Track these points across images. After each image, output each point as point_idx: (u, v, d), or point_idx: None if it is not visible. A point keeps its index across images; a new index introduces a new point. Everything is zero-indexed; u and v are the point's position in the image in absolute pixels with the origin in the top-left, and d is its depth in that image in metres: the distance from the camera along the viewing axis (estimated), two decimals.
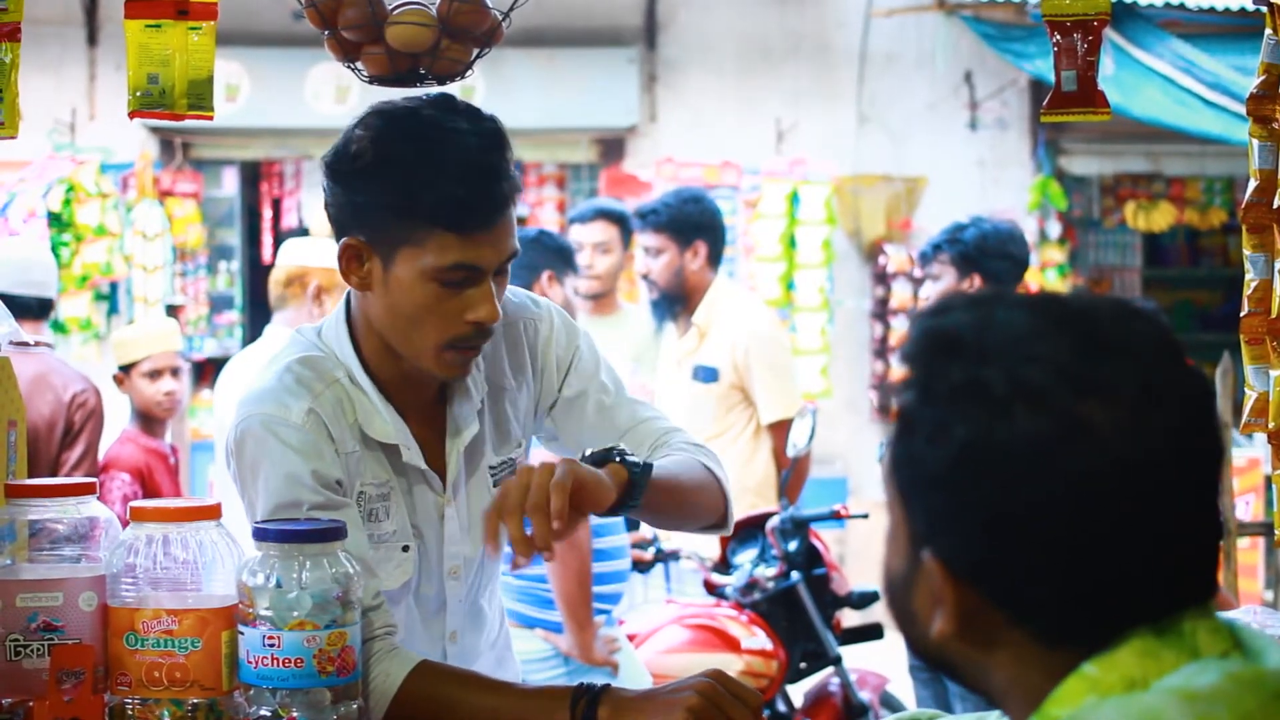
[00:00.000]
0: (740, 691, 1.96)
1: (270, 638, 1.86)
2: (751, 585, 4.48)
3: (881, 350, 9.56)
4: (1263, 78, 2.60)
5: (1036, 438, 1.16)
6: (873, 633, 4.74)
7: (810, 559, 4.52)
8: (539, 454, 2.60)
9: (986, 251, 4.88)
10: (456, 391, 2.27)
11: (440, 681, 2.07)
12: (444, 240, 2.09)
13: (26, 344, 2.45)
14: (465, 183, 2.07)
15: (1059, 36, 2.52)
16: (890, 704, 4.78)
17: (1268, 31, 2.59)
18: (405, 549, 2.24)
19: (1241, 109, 2.69)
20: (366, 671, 2.04)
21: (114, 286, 9.21)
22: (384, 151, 2.10)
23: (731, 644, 4.37)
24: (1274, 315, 2.57)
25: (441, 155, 2.08)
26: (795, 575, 4.47)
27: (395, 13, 2.11)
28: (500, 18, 2.16)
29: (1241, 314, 2.64)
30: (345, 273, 2.18)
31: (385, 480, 2.21)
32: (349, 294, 2.26)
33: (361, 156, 2.11)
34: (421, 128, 2.09)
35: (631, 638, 4.37)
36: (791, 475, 4.73)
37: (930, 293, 4.98)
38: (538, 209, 9.68)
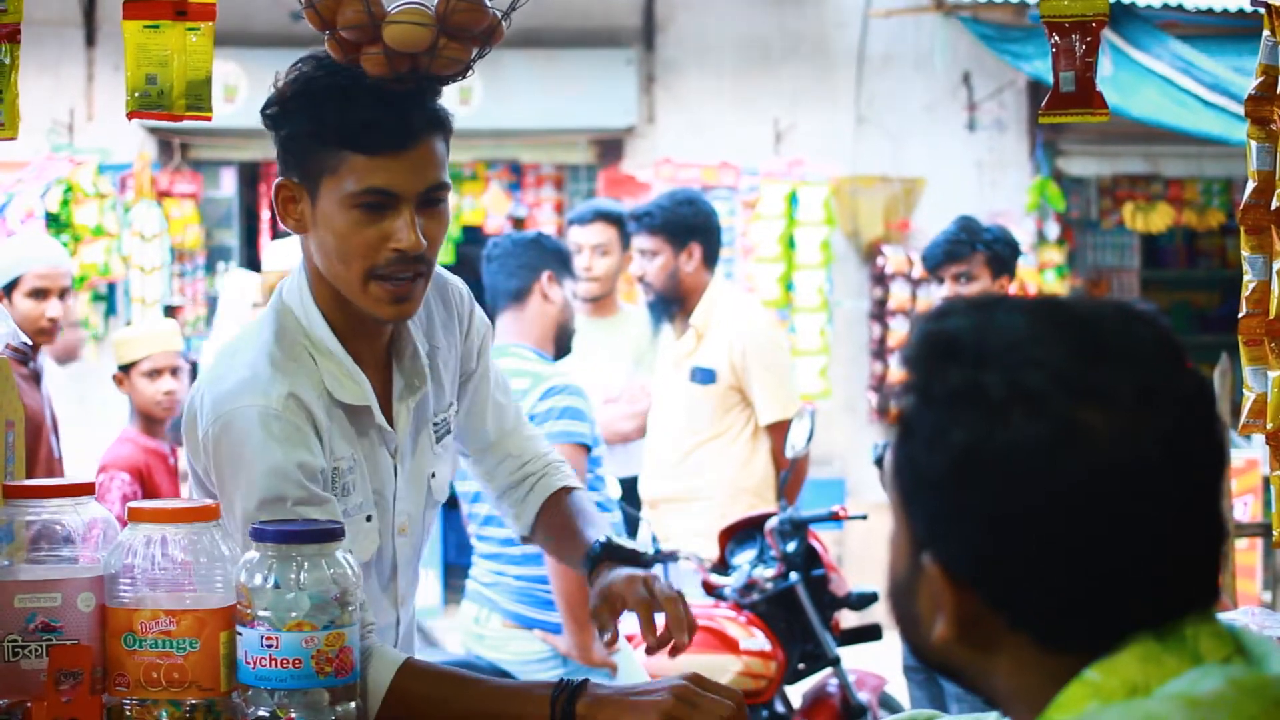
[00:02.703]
0: (719, 691, 1.98)
1: (268, 638, 1.86)
2: (750, 586, 4.48)
3: (880, 351, 9.56)
4: (1260, 79, 2.60)
5: (1034, 442, 1.16)
6: (871, 634, 4.74)
7: (809, 560, 4.52)
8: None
9: (1013, 253, 5.00)
10: (405, 349, 2.31)
11: (426, 680, 2.09)
12: (356, 164, 2.14)
13: (27, 345, 2.44)
14: (375, 106, 2.13)
15: (1057, 37, 2.52)
16: (889, 705, 4.78)
17: (1265, 33, 2.59)
18: (369, 519, 2.26)
19: (1240, 109, 2.69)
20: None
21: (112, 287, 9.21)
22: (304, 87, 2.17)
23: (730, 645, 4.37)
24: (1272, 316, 2.57)
25: (355, 84, 2.14)
26: (794, 576, 4.46)
27: (393, 12, 2.12)
28: (499, 17, 2.16)
29: (1239, 315, 2.64)
30: (282, 216, 2.24)
31: (350, 453, 2.23)
32: (303, 257, 2.29)
33: (284, 93, 2.19)
34: (342, 66, 2.15)
35: (630, 638, 4.37)
36: (790, 476, 4.73)
37: (962, 293, 4.98)
38: (535, 210, 9.68)
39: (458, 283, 2.47)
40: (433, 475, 2.39)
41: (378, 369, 2.29)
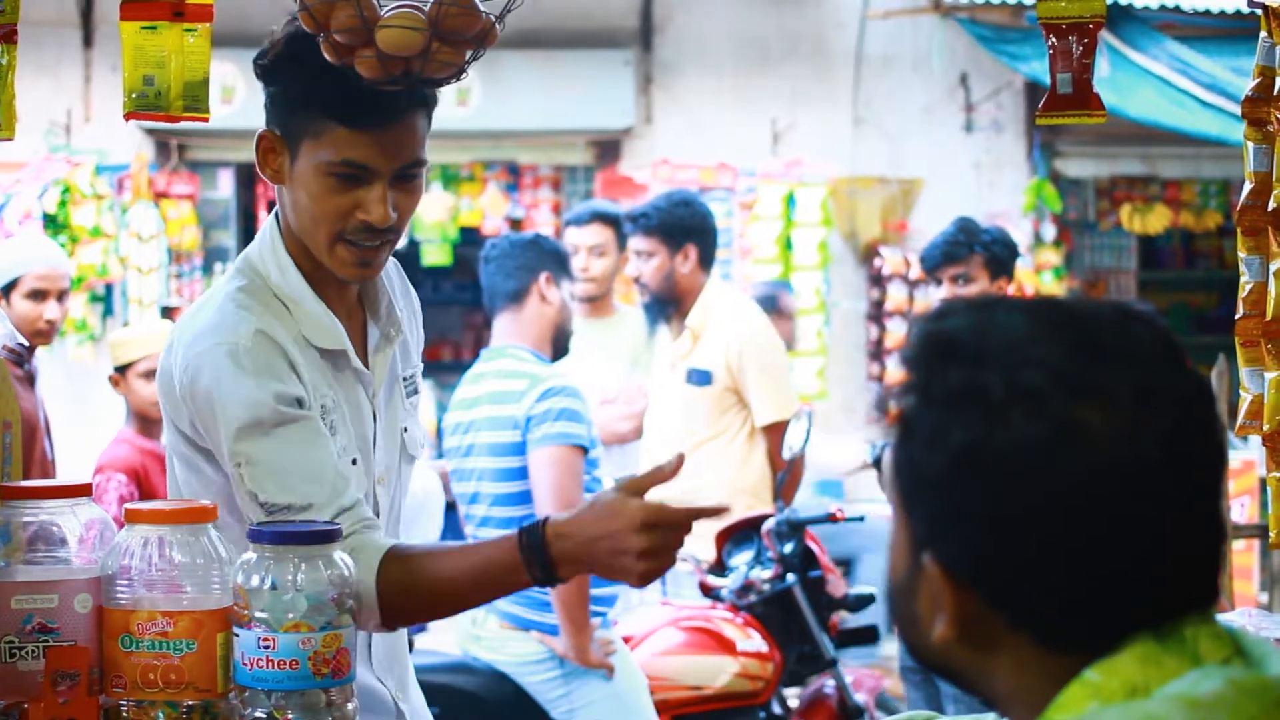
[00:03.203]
0: (673, 518, 2.05)
1: (265, 639, 1.86)
2: (747, 587, 4.48)
3: (877, 352, 9.56)
4: (1257, 80, 2.60)
5: (1034, 441, 1.16)
6: (868, 635, 4.74)
7: (806, 561, 4.53)
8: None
9: (1011, 254, 5.00)
10: (380, 301, 2.35)
11: (410, 563, 2.12)
12: (337, 134, 2.17)
13: (23, 346, 2.45)
14: (361, 80, 2.14)
15: (1054, 39, 2.52)
16: (886, 706, 4.78)
17: (1263, 34, 2.59)
18: (354, 462, 2.27)
19: (1238, 110, 2.69)
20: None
21: (109, 288, 9.20)
22: (295, 47, 2.19)
23: (727, 646, 4.37)
24: (1269, 318, 2.57)
25: None
26: (791, 577, 4.47)
27: (385, 16, 2.12)
28: (493, 20, 2.16)
29: (1236, 316, 2.64)
30: (260, 165, 2.27)
31: (331, 394, 2.25)
32: (279, 205, 2.33)
33: (275, 48, 2.21)
34: None
35: (627, 640, 4.37)
36: (787, 477, 4.73)
37: (960, 294, 4.98)
38: (533, 211, 9.68)
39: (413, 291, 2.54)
40: (405, 430, 2.41)
41: (351, 318, 2.33)
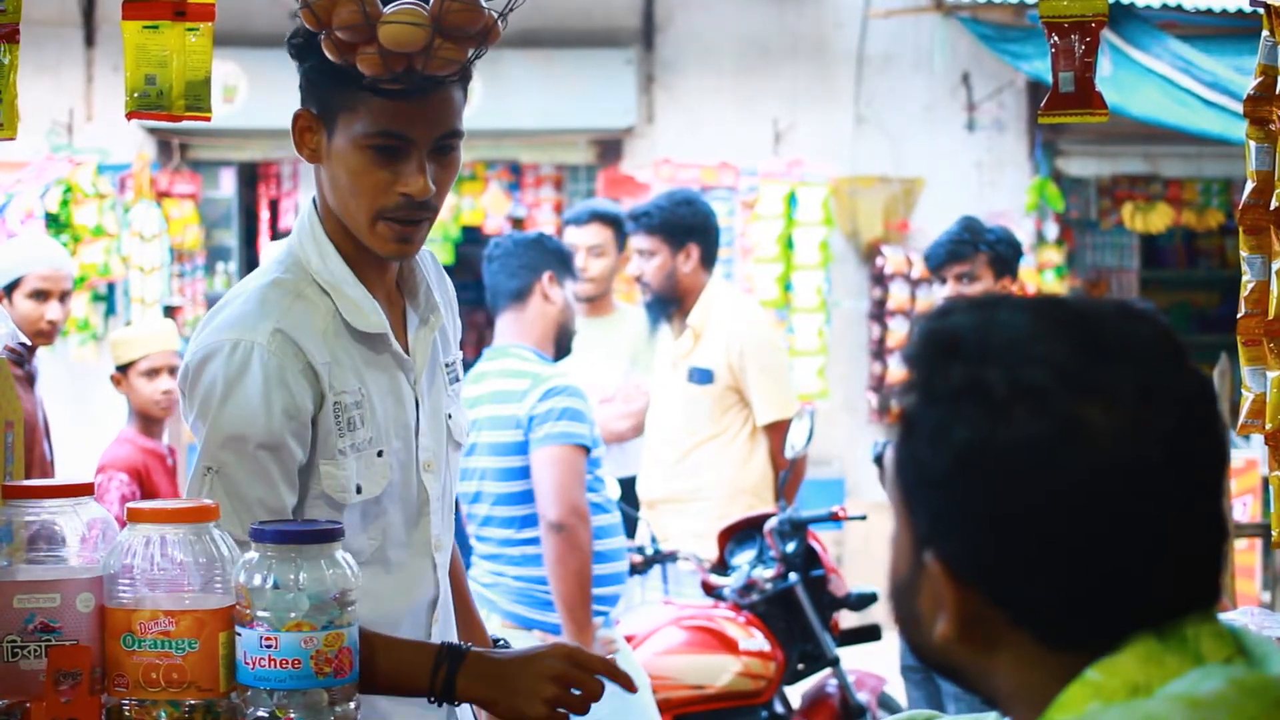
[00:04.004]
0: (591, 664, 2.06)
1: (267, 639, 1.86)
2: (749, 586, 4.48)
3: (879, 351, 9.56)
4: (1259, 79, 2.60)
5: (1036, 439, 1.16)
6: (871, 634, 4.74)
7: (808, 560, 4.53)
8: None
9: (1015, 253, 5.01)
10: (418, 286, 2.34)
11: None
12: (374, 106, 2.16)
13: (24, 346, 2.44)
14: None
15: (1056, 38, 2.52)
16: (888, 705, 4.78)
17: (1265, 33, 2.58)
18: (380, 454, 2.26)
19: (1240, 109, 2.69)
20: None
21: (111, 287, 9.20)
22: None
23: (729, 645, 4.37)
24: (1271, 317, 2.57)
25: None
26: (793, 577, 4.47)
27: (388, 13, 2.12)
28: (496, 17, 2.16)
29: (1238, 315, 2.64)
30: (298, 144, 2.26)
31: (358, 388, 2.23)
32: (316, 188, 2.31)
33: (311, 22, 2.19)
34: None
35: (629, 639, 4.37)
36: (789, 477, 4.73)
37: (965, 293, 4.98)
38: (535, 210, 9.68)
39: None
40: (449, 416, 2.40)
41: (390, 303, 2.32)
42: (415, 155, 2.18)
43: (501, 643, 2.49)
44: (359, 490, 2.23)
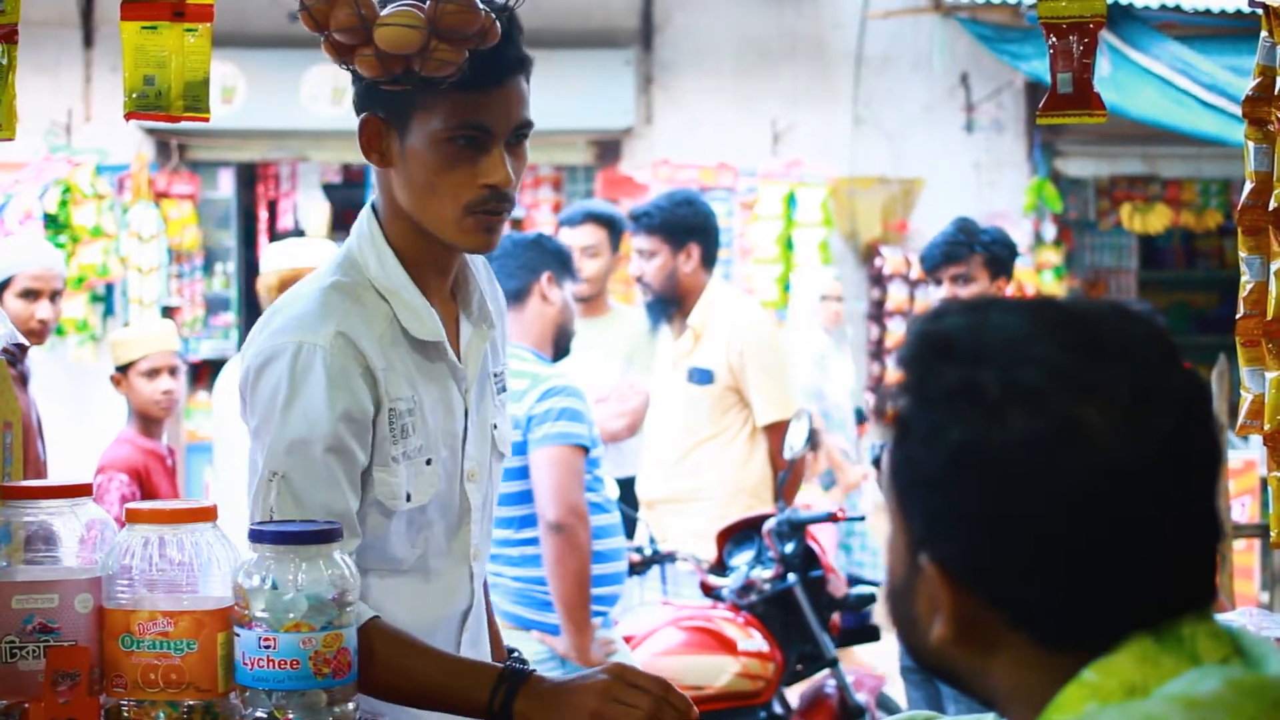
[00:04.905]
0: (643, 681, 2.04)
1: (266, 639, 1.86)
2: (748, 587, 4.48)
3: (878, 352, 9.56)
4: (1258, 80, 2.60)
5: (1031, 439, 1.16)
6: (869, 634, 4.74)
7: (807, 561, 4.53)
8: None
9: (1010, 255, 5.00)
10: (472, 295, 2.34)
11: (385, 640, 2.11)
12: (450, 100, 2.16)
13: (19, 347, 2.44)
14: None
15: (1055, 38, 2.52)
16: (887, 706, 4.78)
17: (1263, 34, 2.59)
18: (429, 462, 2.25)
19: (1238, 110, 2.69)
20: None
21: (110, 288, 9.21)
22: None
23: (728, 646, 4.37)
24: (1269, 317, 2.57)
25: None
26: (792, 577, 4.47)
27: (384, 15, 2.12)
28: (493, 18, 2.17)
29: (1237, 316, 2.64)
30: (366, 150, 2.24)
31: (411, 395, 2.23)
32: (375, 190, 2.31)
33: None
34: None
35: (628, 639, 4.37)
36: (788, 477, 4.73)
37: (960, 294, 4.98)
38: (533, 211, 9.68)
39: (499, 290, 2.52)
40: (494, 426, 2.40)
41: (445, 312, 2.32)
42: (495, 146, 2.19)
43: (516, 653, 2.49)
44: (409, 498, 2.22)
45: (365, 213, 2.31)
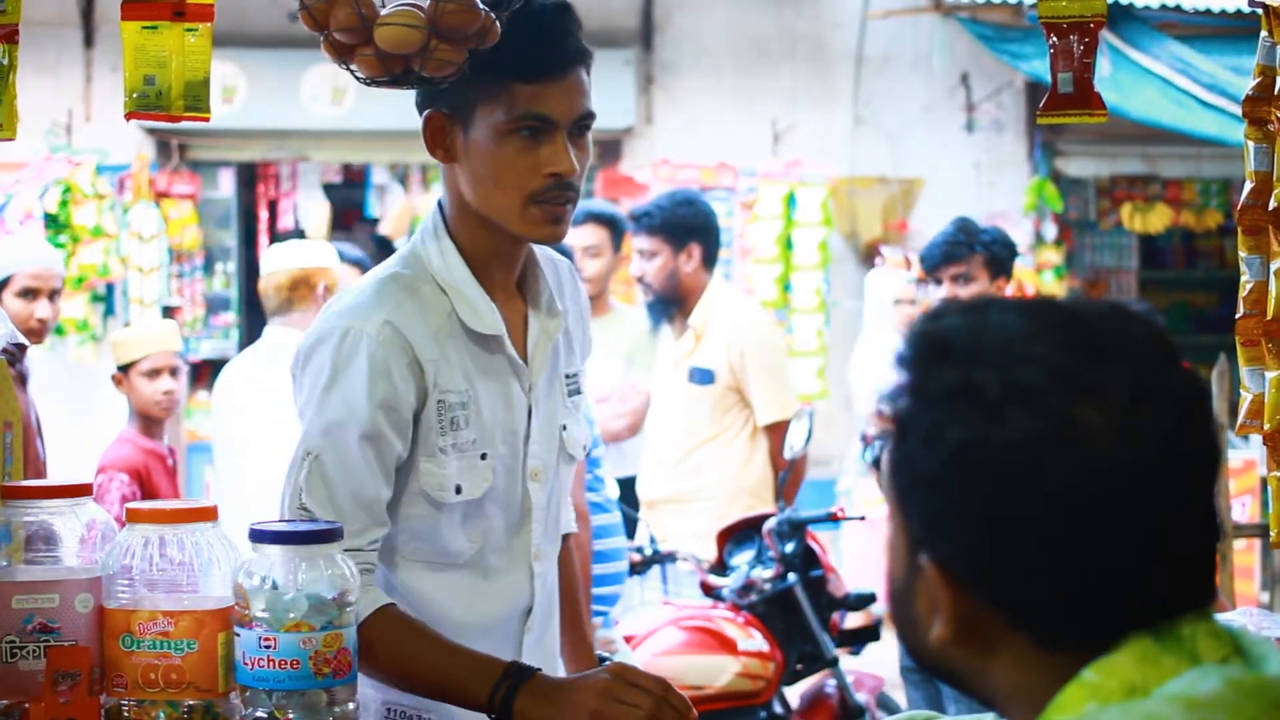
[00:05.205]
0: (643, 681, 2.05)
1: (266, 639, 1.86)
2: (748, 587, 4.48)
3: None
4: (1258, 79, 2.60)
5: (1029, 439, 1.16)
6: (870, 634, 4.74)
7: (807, 561, 4.53)
8: None
9: (1010, 255, 5.01)
10: (541, 293, 2.35)
11: (396, 628, 2.13)
12: (514, 91, 2.18)
13: (19, 347, 2.44)
14: (530, 35, 2.17)
15: (1055, 38, 2.53)
16: (887, 706, 4.78)
17: (1263, 34, 2.59)
18: (484, 456, 2.26)
19: (1239, 110, 2.69)
20: None
21: (110, 288, 9.21)
22: None
23: (728, 645, 4.37)
24: (1269, 317, 2.57)
25: (508, 15, 2.18)
26: (792, 577, 4.47)
27: (384, 15, 2.12)
28: (493, 18, 2.17)
29: (1237, 316, 2.64)
30: (431, 147, 2.27)
31: (465, 389, 2.24)
32: (442, 187, 2.33)
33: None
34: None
35: (628, 639, 4.37)
36: (788, 477, 4.73)
37: (960, 294, 4.98)
38: None
39: (577, 280, 2.52)
40: (564, 428, 2.40)
41: (511, 309, 2.33)
42: (559, 136, 2.21)
43: (606, 660, 2.49)
44: (458, 490, 2.24)
45: (432, 210, 2.34)
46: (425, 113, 2.26)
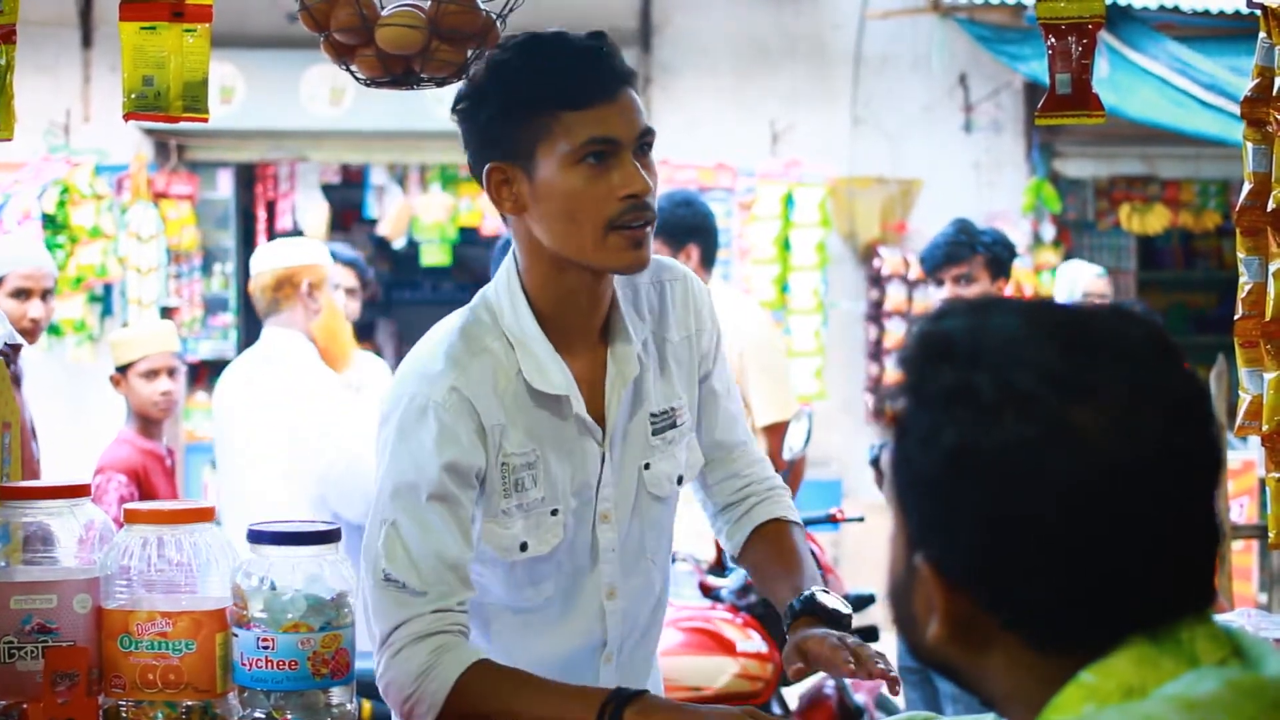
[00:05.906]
0: None
1: (264, 640, 1.86)
2: (747, 588, 4.48)
3: (876, 353, 9.55)
4: (1256, 80, 2.60)
5: (1025, 442, 1.16)
6: (868, 635, 4.74)
7: None
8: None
9: (1010, 255, 5.02)
10: (618, 334, 2.29)
11: (491, 677, 2.11)
12: (570, 120, 2.15)
13: (13, 347, 2.44)
14: (574, 64, 2.16)
15: (1054, 39, 2.53)
16: (885, 707, 4.78)
17: (1261, 35, 2.59)
18: (554, 513, 2.24)
19: (1237, 110, 2.69)
20: (426, 667, 2.06)
21: (108, 288, 9.20)
22: (497, 70, 2.17)
23: (727, 646, 4.37)
24: (1268, 318, 2.57)
25: (546, 51, 2.18)
26: None
27: (385, 15, 2.12)
28: (494, 19, 2.17)
29: (1235, 317, 2.64)
30: (497, 201, 2.21)
31: (532, 449, 2.22)
32: (515, 244, 2.28)
33: (476, 79, 2.18)
34: (526, 40, 2.19)
35: None
36: (788, 478, 4.73)
37: (963, 294, 4.99)
38: None
39: (697, 280, 2.46)
40: (645, 466, 2.35)
41: (592, 355, 2.28)
42: (625, 156, 2.17)
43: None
44: (524, 548, 2.22)
45: (508, 260, 2.29)
46: (485, 168, 2.19)
